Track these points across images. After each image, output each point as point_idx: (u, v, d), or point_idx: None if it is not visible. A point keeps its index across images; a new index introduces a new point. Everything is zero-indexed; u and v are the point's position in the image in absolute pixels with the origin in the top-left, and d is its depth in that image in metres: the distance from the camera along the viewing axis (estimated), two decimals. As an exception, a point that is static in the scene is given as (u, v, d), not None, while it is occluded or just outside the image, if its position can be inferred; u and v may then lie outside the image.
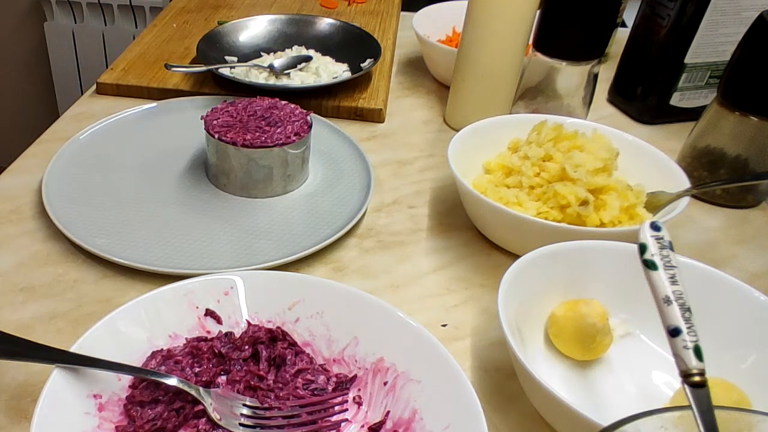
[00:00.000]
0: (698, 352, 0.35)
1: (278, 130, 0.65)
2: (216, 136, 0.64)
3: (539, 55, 0.71)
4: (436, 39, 0.90)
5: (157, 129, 0.76)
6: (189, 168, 0.71)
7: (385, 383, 0.45)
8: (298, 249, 0.59)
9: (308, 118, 0.68)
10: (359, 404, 0.46)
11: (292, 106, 0.70)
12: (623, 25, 1.00)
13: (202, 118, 0.67)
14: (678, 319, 0.36)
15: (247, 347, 0.47)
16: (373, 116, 0.82)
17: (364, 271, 0.60)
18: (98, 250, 0.57)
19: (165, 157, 0.72)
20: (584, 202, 0.58)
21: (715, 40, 0.76)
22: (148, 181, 0.68)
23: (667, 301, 0.36)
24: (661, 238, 0.39)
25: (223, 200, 0.67)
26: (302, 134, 0.66)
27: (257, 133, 0.65)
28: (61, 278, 0.57)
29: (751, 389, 0.44)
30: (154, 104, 0.80)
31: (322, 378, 0.47)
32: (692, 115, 0.75)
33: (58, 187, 0.65)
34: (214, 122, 0.66)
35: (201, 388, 0.44)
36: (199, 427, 0.42)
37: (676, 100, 0.81)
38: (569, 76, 0.71)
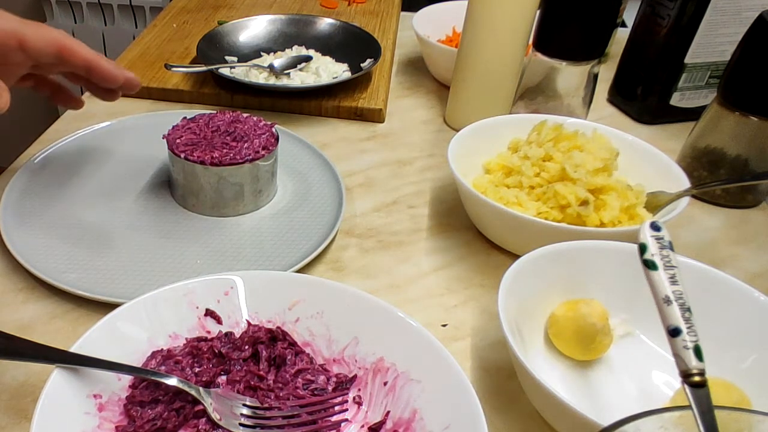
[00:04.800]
0: (698, 352, 0.35)
1: (245, 145, 0.62)
2: (182, 155, 0.61)
3: (539, 55, 0.71)
4: (436, 39, 0.90)
5: (112, 150, 0.72)
6: (152, 189, 0.67)
7: (385, 383, 0.45)
8: (285, 263, 0.57)
9: (273, 129, 0.65)
10: (359, 404, 0.46)
11: (255, 118, 0.66)
12: (623, 25, 1.00)
13: (163, 137, 0.63)
14: (678, 319, 0.36)
15: (247, 347, 0.47)
16: (373, 116, 0.82)
17: (364, 271, 0.60)
18: (68, 285, 0.54)
19: (125, 180, 0.68)
20: (584, 202, 0.58)
21: (715, 40, 0.76)
22: (111, 208, 0.64)
23: (667, 301, 0.36)
24: (661, 238, 0.39)
25: (193, 221, 0.63)
26: (270, 147, 0.63)
27: (225, 150, 0.62)
28: (61, 278, 0.57)
29: (751, 389, 0.44)
30: (107, 123, 0.75)
31: (322, 378, 0.47)
32: (692, 115, 0.75)
33: (17, 221, 0.61)
34: (178, 141, 0.62)
35: (201, 388, 0.44)
36: (199, 427, 0.42)
37: (676, 100, 0.81)
38: (569, 76, 0.71)
